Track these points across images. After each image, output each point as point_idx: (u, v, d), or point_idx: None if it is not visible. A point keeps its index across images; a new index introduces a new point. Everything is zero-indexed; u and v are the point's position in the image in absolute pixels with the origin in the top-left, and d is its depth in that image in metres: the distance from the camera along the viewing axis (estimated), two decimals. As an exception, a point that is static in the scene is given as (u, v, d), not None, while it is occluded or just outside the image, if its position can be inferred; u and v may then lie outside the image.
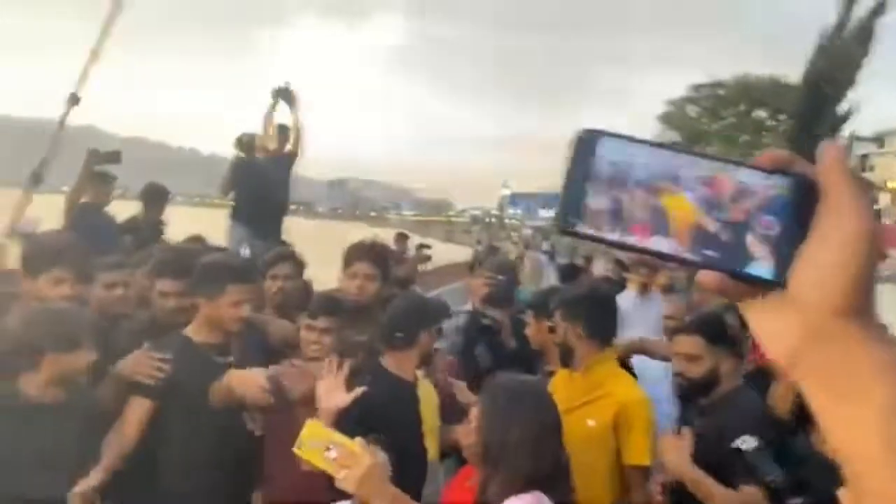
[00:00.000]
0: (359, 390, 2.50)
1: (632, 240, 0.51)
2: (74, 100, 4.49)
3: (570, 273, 6.64)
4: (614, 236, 0.50)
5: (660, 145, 0.52)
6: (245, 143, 6.03)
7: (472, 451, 2.09)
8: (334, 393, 2.49)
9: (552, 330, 3.13)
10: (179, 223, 6.01)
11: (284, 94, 6.13)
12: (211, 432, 2.82)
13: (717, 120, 31.98)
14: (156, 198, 5.84)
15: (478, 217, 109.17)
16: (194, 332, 2.91)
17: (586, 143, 0.52)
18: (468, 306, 4.27)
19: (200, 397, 2.77)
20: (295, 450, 1.58)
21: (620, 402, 2.83)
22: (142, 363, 2.76)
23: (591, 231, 0.50)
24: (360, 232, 4.84)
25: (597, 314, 2.98)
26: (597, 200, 0.51)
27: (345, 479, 1.74)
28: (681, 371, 2.79)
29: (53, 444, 2.47)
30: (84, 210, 4.87)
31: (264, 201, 5.93)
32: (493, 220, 73.28)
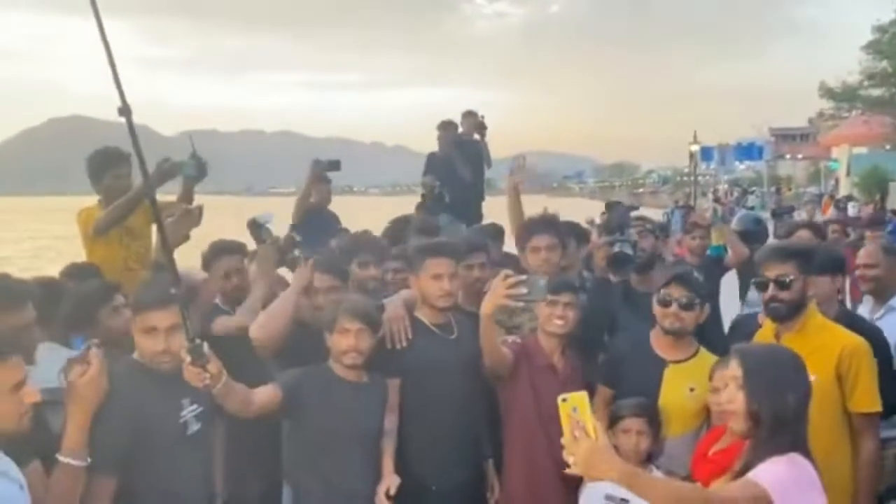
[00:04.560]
0: None
1: None
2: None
3: None
4: None
5: None
6: (445, 128, 6.71)
7: (733, 418, 2.06)
8: None
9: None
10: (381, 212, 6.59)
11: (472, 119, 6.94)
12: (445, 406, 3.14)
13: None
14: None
15: (668, 177, 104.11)
16: (420, 313, 3.23)
17: None
18: None
19: (432, 373, 3.11)
20: (560, 399, 1.74)
21: (841, 350, 2.79)
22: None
23: None
24: (543, 204, 5.05)
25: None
26: None
27: (574, 464, 1.78)
28: None
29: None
30: (312, 211, 5.54)
31: (459, 188, 6.47)
32: (685, 178, 69.62)
